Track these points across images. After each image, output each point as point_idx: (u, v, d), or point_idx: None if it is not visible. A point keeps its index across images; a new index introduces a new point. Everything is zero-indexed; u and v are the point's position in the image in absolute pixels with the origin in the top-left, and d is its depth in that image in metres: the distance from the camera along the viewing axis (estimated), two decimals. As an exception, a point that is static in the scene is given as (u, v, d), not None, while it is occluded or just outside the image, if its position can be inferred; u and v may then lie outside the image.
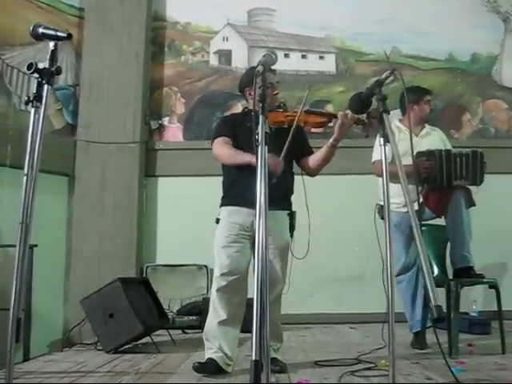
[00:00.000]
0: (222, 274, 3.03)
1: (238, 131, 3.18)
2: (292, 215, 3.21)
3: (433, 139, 3.99)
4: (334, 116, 3.04)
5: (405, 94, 3.33)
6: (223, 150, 3.15)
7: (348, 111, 2.87)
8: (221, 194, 3.27)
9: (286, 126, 2.99)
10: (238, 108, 5.31)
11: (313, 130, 3.27)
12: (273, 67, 2.52)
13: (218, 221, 3.16)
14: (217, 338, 3.03)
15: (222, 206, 3.21)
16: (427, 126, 4.07)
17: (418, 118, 3.95)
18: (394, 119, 3.96)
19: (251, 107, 2.88)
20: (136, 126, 5.52)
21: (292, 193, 3.27)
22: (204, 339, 3.12)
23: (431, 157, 3.72)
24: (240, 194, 3.03)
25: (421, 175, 3.71)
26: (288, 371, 3.02)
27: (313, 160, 3.23)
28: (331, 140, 3.05)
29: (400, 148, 3.68)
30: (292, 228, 3.21)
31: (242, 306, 3.09)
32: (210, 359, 2.99)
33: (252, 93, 2.80)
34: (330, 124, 3.12)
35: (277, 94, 3.20)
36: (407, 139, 2.89)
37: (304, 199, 3.14)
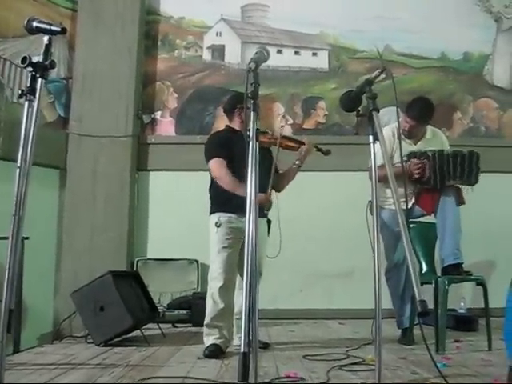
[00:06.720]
0: (222, 272, 3.44)
1: (235, 149, 3.43)
2: (269, 222, 3.67)
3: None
4: (302, 143, 3.67)
5: (396, 97, 3.33)
6: (226, 177, 3.48)
7: (309, 141, 3.66)
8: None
9: (265, 147, 3.48)
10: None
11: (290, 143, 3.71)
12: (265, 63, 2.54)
13: (219, 225, 3.49)
14: (218, 326, 3.44)
15: (220, 211, 3.52)
16: (429, 131, 4.02)
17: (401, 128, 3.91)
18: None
19: (236, 127, 3.62)
20: (128, 120, 5.52)
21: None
22: (206, 328, 3.50)
23: (423, 157, 3.76)
24: (239, 204, 3.12)
25: (413, 175, 3.74)
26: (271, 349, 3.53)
27: (281, 178, 3.70)
28: (297, 162, 3.66)
29: (396, 157, 3.75)
30: (268, 232, 3.69)
31: (233, 296, 3.52)
32: (215, 345, 3.39)
33: (242, 114, 3.47)
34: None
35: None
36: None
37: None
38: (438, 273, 3.78)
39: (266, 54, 2.30)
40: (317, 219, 5.41)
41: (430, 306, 3.41)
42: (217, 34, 5.98)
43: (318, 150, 3.74)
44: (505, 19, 6.09)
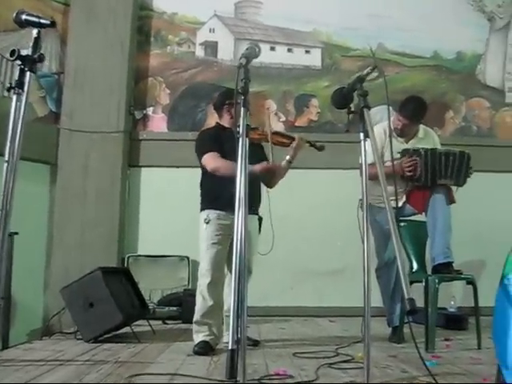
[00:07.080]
0: (210, 269, 3.42)
1: (225, 146, 3.44)
2: (260, 220, 3.66)
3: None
4: (293, 139, 3.59)
5: (387, 95, 3.31)
6: (222, 163, 3.43)
7: (302, 136, 3.61)
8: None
9: (256, 142, 3.43)
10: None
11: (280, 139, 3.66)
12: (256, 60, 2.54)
13: (208, 221, 3.47)
14: (208, 323, 3.42)
15: (210, 208, 3.51)
16: (421, 130, 4.02)
17: (393, 127, 3.89)
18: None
19: (225, 124, 3.62)
20: (120, 116, 5.50)
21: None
22: (195, 325, 3.47)
23: (416, 155, 3.76)
24: (228, 201, 3.11)
25: (404, 173, 3.75)
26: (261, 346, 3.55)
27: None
28: (288, 158, 3.58)
29: (387, 155, 3.75)
30: (259, 230, 3.69)
31: (222, 293, 3.50)
32: (204, 342, 3.37)
33: (231, 110, 3.45)
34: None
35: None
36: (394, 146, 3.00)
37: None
38: (429, 271, 3.79)
39: (257, 50, 2.29)
40: (308, 217, 5.41)
41: (421, 304, 3.44)
42: (210, 31, 5.96)
43: (312, 145, 3.69)
44: (498, 18, 6.10)
